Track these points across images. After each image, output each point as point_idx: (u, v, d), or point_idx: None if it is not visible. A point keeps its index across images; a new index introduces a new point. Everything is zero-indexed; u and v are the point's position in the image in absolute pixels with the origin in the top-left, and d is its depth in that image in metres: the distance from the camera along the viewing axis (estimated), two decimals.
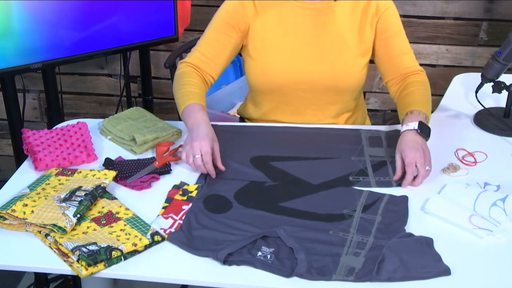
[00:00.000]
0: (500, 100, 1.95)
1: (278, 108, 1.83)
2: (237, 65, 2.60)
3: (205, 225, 1.36)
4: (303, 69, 1.75)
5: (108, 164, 1.59)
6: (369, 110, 2.15)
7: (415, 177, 1.51)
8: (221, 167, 1.55)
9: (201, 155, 1.51)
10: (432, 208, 1.41)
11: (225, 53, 1.77)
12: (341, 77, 1.76)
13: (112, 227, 1.35)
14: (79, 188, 1.43)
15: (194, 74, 1.74)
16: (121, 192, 1.51)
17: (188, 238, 1.32)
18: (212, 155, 1.54)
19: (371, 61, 1.81)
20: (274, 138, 1.75)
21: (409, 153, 1.52)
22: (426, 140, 1.58)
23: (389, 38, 1.75)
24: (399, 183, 1.53)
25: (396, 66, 1.76)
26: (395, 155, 1.56)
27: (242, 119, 2.03)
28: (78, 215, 1.35)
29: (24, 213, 1.35)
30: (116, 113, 1.90)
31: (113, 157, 1.63)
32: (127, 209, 1.42)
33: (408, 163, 1.51)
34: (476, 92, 1.86)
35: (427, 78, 1.77)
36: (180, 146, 1.66)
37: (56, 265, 1.26)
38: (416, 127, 1.57)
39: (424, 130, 1.57)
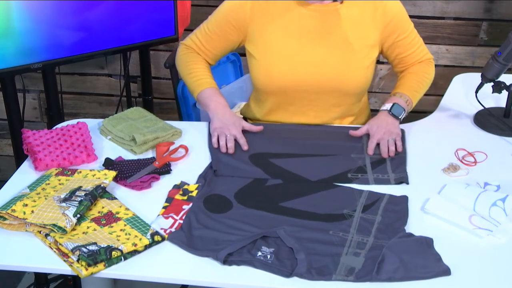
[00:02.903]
0: (500, 100, 1.95)
1: (280, 109, 1.84)
2: (237, 65, 2.60)
3: (206, 225, 1.36)
4: (307, 71, 1.75)
5: (108, 164, 1.59)
6: None
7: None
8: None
9: (234, 137, 1.66)
10: (432, 208, 1.41)
11: (221, 47, 1.84)
12: (345, 80, 1.76)
13: (112, 227, 1.35)
14: (79, 188, 1.43)
15: (199, 56, 1.84)
16: (121, 192, 1.51)
17: (189, 238, 1.32)
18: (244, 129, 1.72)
19: (377, 62, 1.83)
20: (274, 136, 1.75)
21: (373, 128, 1.69)
22: (398, 120, 1.71)
23: (399, 41, 1.79)
24: (397, 182, 1.54)
25: (405, 63, 1.85)
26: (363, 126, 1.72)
27: (245, 120, 2.03)
28: (78, 215, 1.35)
29: (24, 213, 1.35)
30: (116, 113, 1.90)
31: (113, 157, 1.63)
32: (127, 209, 1.42)
33: (371, 136, 1.69)
34: (476, 92, 1.86)
35: (431, 65, 1.85)
36: (180, 146, 1.66)
37: (56, 265, 1.26)
38: (388, 108, 1.72)
39: (395, 111, 1.72)
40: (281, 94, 1.79)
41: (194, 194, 1.48)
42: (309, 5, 1.73)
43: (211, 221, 1.38)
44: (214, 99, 1.74)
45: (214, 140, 1.67)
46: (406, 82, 1.81)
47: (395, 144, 1.66)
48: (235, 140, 1.68)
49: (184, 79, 1.84)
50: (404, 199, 1.46)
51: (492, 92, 1.85)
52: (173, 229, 1.35)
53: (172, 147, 1.66)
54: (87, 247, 1.25)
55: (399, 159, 1.62)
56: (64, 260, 1.26)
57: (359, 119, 1.90)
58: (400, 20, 1.77)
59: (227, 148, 1.65)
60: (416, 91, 1.80)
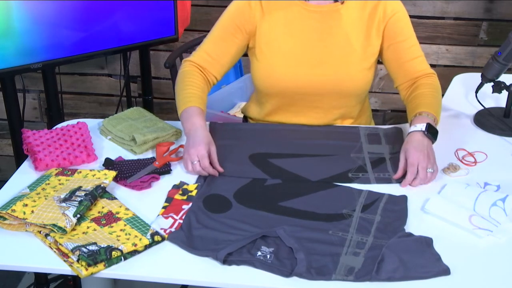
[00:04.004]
0: (500, 100, 1.95)
1: (281, 110, 1.83)
2: (237, 65, 2.60)
3: (205, 225, 1.36)
4: (308, 72, 1.75)
5: (108, 164, 1.59)
6: None
7: (415, 178, 1.52)
8: (219, 169, 1.56)
9: (199, 161, 1.53)
10: (432, 208, 1.41)
11: (230, 54, 1.78)
12: (345, 81, 1.75)
13: (112, 227, 1.35)
14: (79, 188, 1.43)
15: (197, 74, 1.74)
16: (121, 192, 1.51)
17: (188, 238, 1.32)
18: (210, 158, 1.55)
19: (379, 62, 1.80)
20: (273, 136, 1.75)
21: (413, 154, 1.52)
22: (433, 142, 1.58)
23: (398, 44, 1.73)
24: (398, 181, 1.54)
25: (406, 71, 1.75)
26: (399, 154, 1.56)
27: (245, 118, 2.03)
28: (78, 215, 1.35)
29: (24, 213, 1.35)
30: (116, 113, 1.90)
31: (113, 157, 1.63)
32: (127, 209, 1.42)
33: (410, 163, 1.51)
34: (476, 92, 1.86)
35: (438, 80, 1.75)
36: (180, 146, 1.66)
37: (56, 265, 1.26)
38: (424, 129, 1.56)
39: (431, 132, 1.57)
40: (282, 96, 1.79)
41: (193, 194, 1.48)
42: (310, 6, 1.73)
43: (210, 221, 1.38)
44: (191, 120, 1.61)
45: (184, 165, 1.57)
46: (424, 99, 1.67)
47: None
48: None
49: (176, 96, 1.72)
50: (403, 199, 1.46)
51: (492, 92, 1.85)
52: (173, 229, 1.36)
53: (172, 147, 1.66)
54: (87, 247, 1.25)
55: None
56: (64, 260, 1.26)
57: (359, 121, 1.90)
58: (401, 20, 1.74)
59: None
60: (438, 109, 1.67)
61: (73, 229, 1.33)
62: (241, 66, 2.61)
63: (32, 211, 1.35)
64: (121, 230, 1.34)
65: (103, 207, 1.42)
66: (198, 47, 1.80)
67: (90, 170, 1.53)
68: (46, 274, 2.32)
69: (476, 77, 1.89)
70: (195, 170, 1.54)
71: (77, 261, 1.24)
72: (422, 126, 1.57)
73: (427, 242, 1.30)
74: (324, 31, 1.74)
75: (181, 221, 1.38)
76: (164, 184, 1.53)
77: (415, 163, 1.51)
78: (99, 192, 1.44)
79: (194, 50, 1.80)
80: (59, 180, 1.50)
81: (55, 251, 1.29)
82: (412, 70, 1.74)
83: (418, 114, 1.62)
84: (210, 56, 1.76)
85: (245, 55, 1.86)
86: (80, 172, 1.53)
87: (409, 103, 1.71)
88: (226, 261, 1.25)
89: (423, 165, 1.51)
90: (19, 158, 2.16)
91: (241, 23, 1.75)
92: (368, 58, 1.76)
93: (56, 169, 1.55)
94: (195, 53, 1.79)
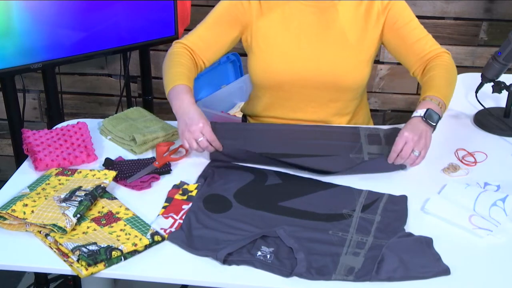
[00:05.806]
0: (500, 100, 1.95)
1: (278, 104, 1.84)
2: (237, 65, 2.60)
3: (205, 225, 1.36)
4: (304, 67, 1.75)
5: (108, 164, 1.59)
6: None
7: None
8: (220, 146, 1.57)
9: (203, 136, 1.53)
10: (432, 208, 1.41)
11: (222, 42, 1.78)
12: (341, 75, 1.76)
13: (112, 227, 1.35)
14: (79, 188, 1.43)
15: (186, 56, 1.73)
16: (121, 192, 1.51)
17: (188, 238, 1.32)
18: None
19: (377, 62, 1.80)
20: (274, 136, 1.75)
21: (403, 133, 1.52)
22: (433, 127, 1.55)
23: (401, 28, 1.73)
24: (397, 167, 1.56)
25: (415, 52, 1.73)
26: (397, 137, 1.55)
27: (244, 118, 2.03)
28: (78, 215, 1.35)
29: (24, 213, 1.35)
30: (116, 113, 1.90)
31: (113, 157, 1.63)
32: (127, 209, 1.42)
33: (396, 142, 1.51)
34: (476, 92, 1.86)
35: (451, 59, 1.72)
36: (180, 146, 1.66)
37: (56, 265, 1.26)
38: (422, 114, 1.55)
39: (430, 118, 1.55)
40: (278, 89, 1.80)
41: (193, 194, 1.48)
42: (307, 1, 1.74)
43: (210, 221, 1.38)
44: (180, 97, 1.58)
45: (186, 146, 1.56)
46: (432, 82, 1.65)
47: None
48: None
49: (164, 75, 1.69)
50: (403, 199, 1.46)
51: (492, 92, 1.85)
52: (173, 229, 1.36)
53: (172, 147, 1.66)
54: (87, 247, 1.26)
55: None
56: (64, 260, 1.26)
57: (357, 118, 1.90)
58: (399, 5, 1.73)
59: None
60: (446, 90, 1.65)
61: (73, 229, 1.33)
62: (241, 66, 2.61)
63: (32, 211, 1.35)
64: (121, 230, 1.34)
65: (103, 207, 1.42)
66: (191, 32, 1.79)
67: (90, 170, 1.53)
68: (46, 274, 2.32)
69: (476, 77, 1.89)
70: (202, 147, 1.54)
71: (77, 261, 1.24)
72: (421, 112, 1.55)
73: (427, 242, 1.30)
74: (321, 26, 1.75)
75: (181, 221, 1.38)
76: (164, 184, 1.53)
77: (402, 143, 1.51)
78: (99, 192, 1.44)
79: (186, 34, 1.80)
80: (59, 180, 1.50)
81: (55, 251, 1.29)
82: (421, 51, 1.72)
83: (422, 100, 1.60)
84: (203, 41, 1.76)
85: (244, 55, 1.86)
86: (80, 172, 1.53)
87: (422, 89, 1.69)
88: (226, 261, 1.25)
89: (410, 144, 1.50)
90: (19, 158, 2.16)
91: (238, 14, 1.75)
92: (365, 53, 1.76)
93: (56, 169, 1.55)
94: (187, 36, 1.78)
